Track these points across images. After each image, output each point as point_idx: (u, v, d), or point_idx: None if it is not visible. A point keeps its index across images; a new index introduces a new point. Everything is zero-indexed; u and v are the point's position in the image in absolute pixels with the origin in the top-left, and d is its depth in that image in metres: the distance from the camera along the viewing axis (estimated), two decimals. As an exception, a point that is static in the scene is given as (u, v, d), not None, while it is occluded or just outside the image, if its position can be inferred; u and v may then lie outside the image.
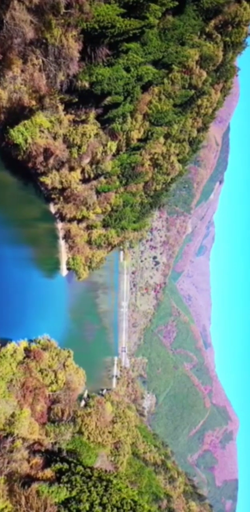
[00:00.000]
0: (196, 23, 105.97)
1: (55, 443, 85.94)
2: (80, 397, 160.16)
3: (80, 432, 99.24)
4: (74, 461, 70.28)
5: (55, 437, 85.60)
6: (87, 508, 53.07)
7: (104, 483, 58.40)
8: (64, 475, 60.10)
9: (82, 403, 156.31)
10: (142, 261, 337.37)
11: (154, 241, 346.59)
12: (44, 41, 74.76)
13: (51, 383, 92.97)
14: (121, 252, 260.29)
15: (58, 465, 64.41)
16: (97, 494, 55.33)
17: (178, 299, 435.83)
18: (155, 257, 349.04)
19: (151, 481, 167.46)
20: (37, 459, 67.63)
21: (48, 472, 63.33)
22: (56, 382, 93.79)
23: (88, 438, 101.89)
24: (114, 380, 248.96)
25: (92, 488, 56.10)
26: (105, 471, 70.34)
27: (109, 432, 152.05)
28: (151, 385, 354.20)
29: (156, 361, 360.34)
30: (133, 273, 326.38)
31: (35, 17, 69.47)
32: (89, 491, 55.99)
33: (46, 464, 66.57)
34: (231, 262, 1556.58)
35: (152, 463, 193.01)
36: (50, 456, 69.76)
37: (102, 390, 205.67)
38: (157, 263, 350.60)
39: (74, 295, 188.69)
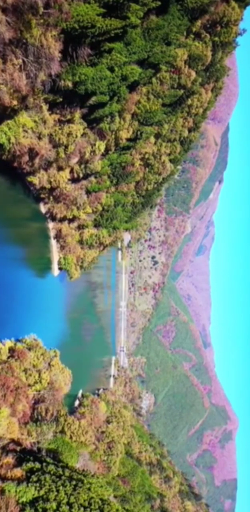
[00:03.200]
0: (181, 23, 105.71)
1: (38, 442, 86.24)
2: (74, 397, 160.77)
3: (62, 432, 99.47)
4: (50, 460, 70.37)
5: (37, 436, 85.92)
6: (54, 507, 53.08)
7: (74, 482, 58.48)
8: (34, 475, 60.29)
9: (76, 402, 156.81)
10: (140, 260, 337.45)
11: (152, 240, 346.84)
12: (24, 41, 74.73)
13: (35, 382, 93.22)
14: (120, 252, 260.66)
15: (29, 465, 64.48)
16: (66, 494, 55.37)
17: (177, 299, 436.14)
18: (153, 257, 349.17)
19: (144, 481, 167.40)
20: (9, 459, 67.79)
21: (18, 472, 63.39)
22: (40, 381, 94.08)
23: (71, 438, 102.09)
24: (111, 379, 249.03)
25: (61, 488, 56.13)
26: (83, 470, 70.38)
27: (103, 432, 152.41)
28: (150, 384, 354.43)
29: (155, 361, 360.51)
30: (132, 272, 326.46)
31: (14, 17, 69.51)
32: (58, 490, 56.03)
33: (19, 464, 66.75)
34: (231, 261, 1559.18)
35: (147, 462, 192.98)
36: (24, 456, 69.89)
37: (98, 389, 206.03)
38: (156, 262, 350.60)
39: (71, 295, 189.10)
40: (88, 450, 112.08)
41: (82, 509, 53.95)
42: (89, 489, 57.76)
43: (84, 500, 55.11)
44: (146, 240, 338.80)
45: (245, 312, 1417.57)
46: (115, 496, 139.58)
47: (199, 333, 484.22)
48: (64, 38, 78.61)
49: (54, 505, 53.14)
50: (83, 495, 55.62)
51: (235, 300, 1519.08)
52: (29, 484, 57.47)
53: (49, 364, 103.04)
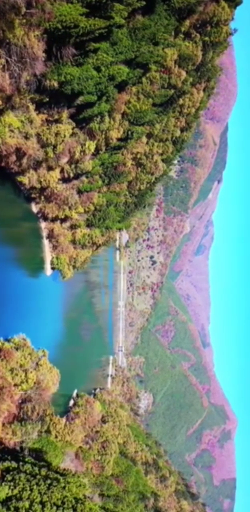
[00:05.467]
0: (169, 22, 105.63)
1: (22, 442, 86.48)
2: (69, 396, 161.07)
3: (48, 431, 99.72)
4: (30, 459, 70.55)
5: (21, 436, 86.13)
6: (27, 506, 53.32)
7: (49, 481, 58.75)
8: (9, 474, 60.43)
9: (71, 402, 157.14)
10: (138, 260, 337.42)
11: (150, 240, 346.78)
12: (7, 41, 74.86)
13: (22, 382, 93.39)
14: (118, 252, 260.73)
15: (6, 464, 64.61)
16: (39, 493, 55.65)
17: (176, 299, 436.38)
18: (152, 257, 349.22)
19: (138, 480, 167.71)
20: (-16, 458, 68.04)
21: (-7, 471, 63.74)
22: (26, 381, 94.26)
23: (56, 437, 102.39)
24: (109, 379, 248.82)
25: (35, 487, 56.39)
26: (64, 469, 70.60)
27: (97, 431, 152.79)
28: (148, 384, 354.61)
29: (153, 360, 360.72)
30: (130, 272, 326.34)
31: (-4, 18, 69.75)
32: (31, 489, 56.24)
33: (-5, 463, 66.96)
34: (230, 261, 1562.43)
35: (143, 462, 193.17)
36: (2, 455, 69.98)
37: (95, 389, 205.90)
38: (154, 262, 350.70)
39: (69, 294, 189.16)
40: (74, 449, 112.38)
41: (55, 508, 54.16)
42: (64, 488, 57.95)
43: (58, 499, 55.32)
44: (144, 240, 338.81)
45: (245, 311, 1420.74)
46: (108, 496, 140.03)
47: (198, 332, 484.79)
48: (47, 38, 78.74)
49: (27, 504, 53.30)
50: (57, 494, 55.78)
51: (235, 300, 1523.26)
52: (3, 483, 57.65)
53: (37, 363, 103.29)
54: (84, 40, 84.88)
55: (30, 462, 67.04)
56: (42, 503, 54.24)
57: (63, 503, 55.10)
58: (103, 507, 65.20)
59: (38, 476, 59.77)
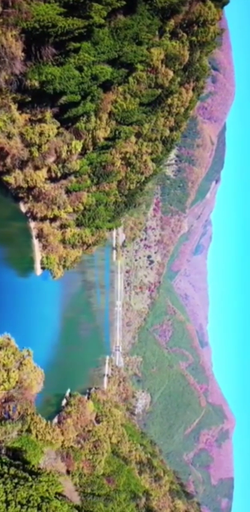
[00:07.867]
0: (152, 22, 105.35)
1: (2, 441, 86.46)
2: (62, 396, 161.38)
3: (28, 430, 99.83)
4: (5, 459, 70.60)
5: (1, 435, 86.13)
6: (-8, 505, 53.67)
7: (16, 480, 58.93)
8: (-24, 473, 60.61)
9: (64, 402, 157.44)
10: (136, 260, 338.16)
11: (148, 240, 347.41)
12: (-15, 41, 75.02)
13: (3, 381, 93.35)
14: (114, 251, 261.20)
15: (-24, 463, 64.84)
16: (5, 491, 55.84)
17: (174, 298, 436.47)
18: (149, 256, 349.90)
19: (130, 480, 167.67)
20: None
21: None
22: (8, 380, 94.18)
23: (37, 436, 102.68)
24: (105, 379, 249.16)
25: (1, 485, 56.58)
26: (39, 468, 70.89)
27: (89, 431, 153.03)
28: (146, 384, 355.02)
29: (151, 360, 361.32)
30: (127, 272, 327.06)
31: None
32: (-3, 488, 56.61)
33: None
34: (229, 260, 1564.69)
35: (137, 461, 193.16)
36: None
37: (90, 389, 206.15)
38: (151, 262, 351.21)
39: (65, 294, 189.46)
40: (54, 448, 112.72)
41: (19, 506, 54.32)
42: (31, 486, 58.15)
43: (23, 498, 55.49)
44: (141, 240, 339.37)
45: (243, 311, 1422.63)
46: (99, 495, 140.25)
47: (196, 332, 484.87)
48: (26, 37, 78.58)
49: (-9, 502, 53.63)
50: (23, 493, 55.91)
51: (233, 300, 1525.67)
52: None
53: (21, 363, 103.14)
54: (64, 39, 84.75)
55: (3, 461, 67.10)
56: (7, 502, 54.47)
57: (28, 501, 55.30)
58: (76, 506, 65.27)
59: (5, 475, 59.96)
